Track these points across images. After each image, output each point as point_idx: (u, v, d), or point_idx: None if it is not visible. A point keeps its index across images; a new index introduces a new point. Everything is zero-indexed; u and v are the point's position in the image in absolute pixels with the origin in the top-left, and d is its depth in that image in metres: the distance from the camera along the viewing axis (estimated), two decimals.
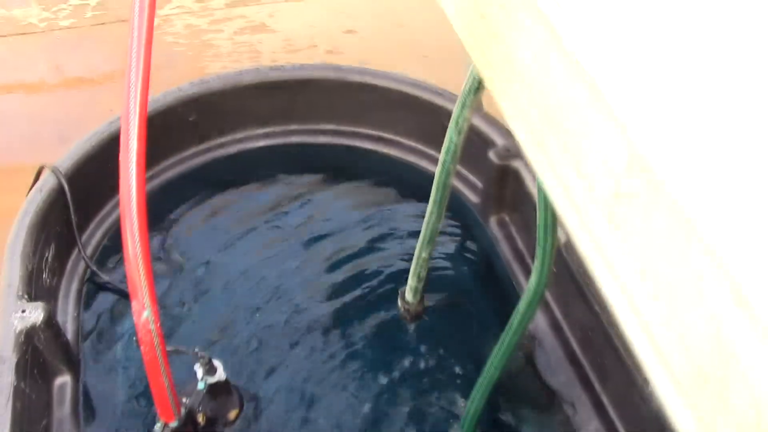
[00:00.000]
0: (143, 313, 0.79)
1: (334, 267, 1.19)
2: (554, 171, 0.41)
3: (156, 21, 1.89)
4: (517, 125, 0.44)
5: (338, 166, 1.30)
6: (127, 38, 0.84)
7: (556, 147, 0.40)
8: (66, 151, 1.15)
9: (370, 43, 1.81)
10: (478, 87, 0.71)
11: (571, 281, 0.95)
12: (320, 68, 1.27)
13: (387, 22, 1.87)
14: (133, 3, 0.84)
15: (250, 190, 1.28)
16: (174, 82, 1.72)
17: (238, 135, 1.27)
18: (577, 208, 0.39)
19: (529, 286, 0.74)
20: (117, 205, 1.14)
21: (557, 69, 0.37)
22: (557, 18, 0.36)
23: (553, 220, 0.68)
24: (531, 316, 0.76)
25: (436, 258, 1.14)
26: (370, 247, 1.22)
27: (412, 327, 1.02)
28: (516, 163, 1.08)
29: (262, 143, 1.28)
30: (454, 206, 1.21)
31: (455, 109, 0.74)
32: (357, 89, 1.24)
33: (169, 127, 1.20)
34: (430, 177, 1.25)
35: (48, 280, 1.03)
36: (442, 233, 1.22)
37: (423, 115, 1.21)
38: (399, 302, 0.99)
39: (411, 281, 0.94)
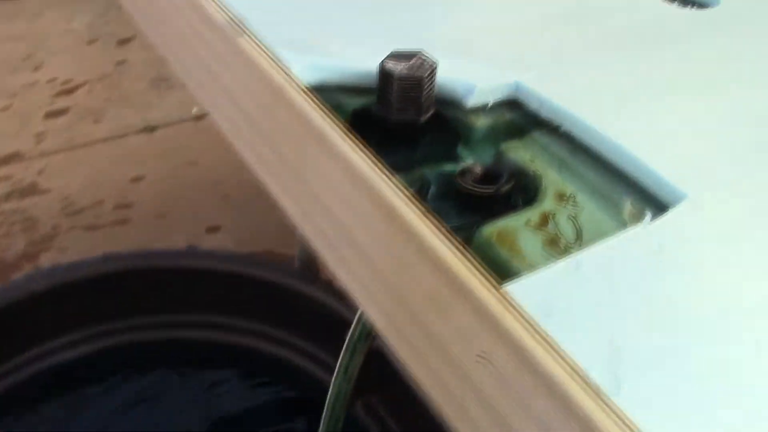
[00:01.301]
0: None
1: None
2: None
3: None
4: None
5: (170, 363, 1.12)
6: None
7: None
8: None
9: (163, 189, 1.63)
10: (369, 334, 0.59)
11: None
12: (124, 258, 1.08)
13: (177, 162, 1.70)
14: None
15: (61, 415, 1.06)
16: None
17: (36, 351, 1.05)
18: None
19: None
20: None
21: None
22: None
23: None
24: None
25: None
26: None
27: None
28: (376, 344, 0.96)
29: (69, 355, 1.06)
30: (309, 393, 1.07)
31: (342, 356, 0.61)
32: (177, 275, 1.07)
33: None
34: (286, 363, 1.11)
35: None
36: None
37: (263, 295, 1.07)
38: None
39: None
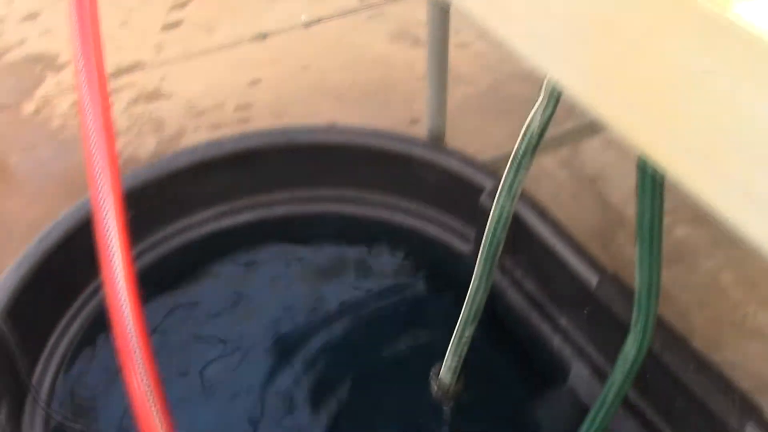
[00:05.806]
0: None
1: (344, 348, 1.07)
2: None
3: (33, 105, 1.69)
4: None
5: (297, 236, 1.17)
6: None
7: None
8: None
9: (279, 92, 1.68)
10: (535, 146, 0.61)
11: None
12: (264, 135, 1.13)
13: (290, 67, 1.74)
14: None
15: (207, 286, 1.13)
16: (69, 176, 1.53)
17: (183, 223, 1.12)
18: None
19: (626, 355, 0.65)
20: (65, 331, 0.97)
21: None
22: None
23: (657, 279, 0.59)
24: (628, 388, 0.67)
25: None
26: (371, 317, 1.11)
27: (448, 409, 0.91)
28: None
29: (211, 227, 1.13)
30: (444, 262, 1.11)
31: (507, 175, 0.64)
32: (308, 150, 1.11)
33: None
34: (407, 231, 1.15)
35: None
36: (437, 294, 1.12)
37: (389, 166, 1.10)
38: (433, 384, 0.88)
39: (450, 361, 0.83)
